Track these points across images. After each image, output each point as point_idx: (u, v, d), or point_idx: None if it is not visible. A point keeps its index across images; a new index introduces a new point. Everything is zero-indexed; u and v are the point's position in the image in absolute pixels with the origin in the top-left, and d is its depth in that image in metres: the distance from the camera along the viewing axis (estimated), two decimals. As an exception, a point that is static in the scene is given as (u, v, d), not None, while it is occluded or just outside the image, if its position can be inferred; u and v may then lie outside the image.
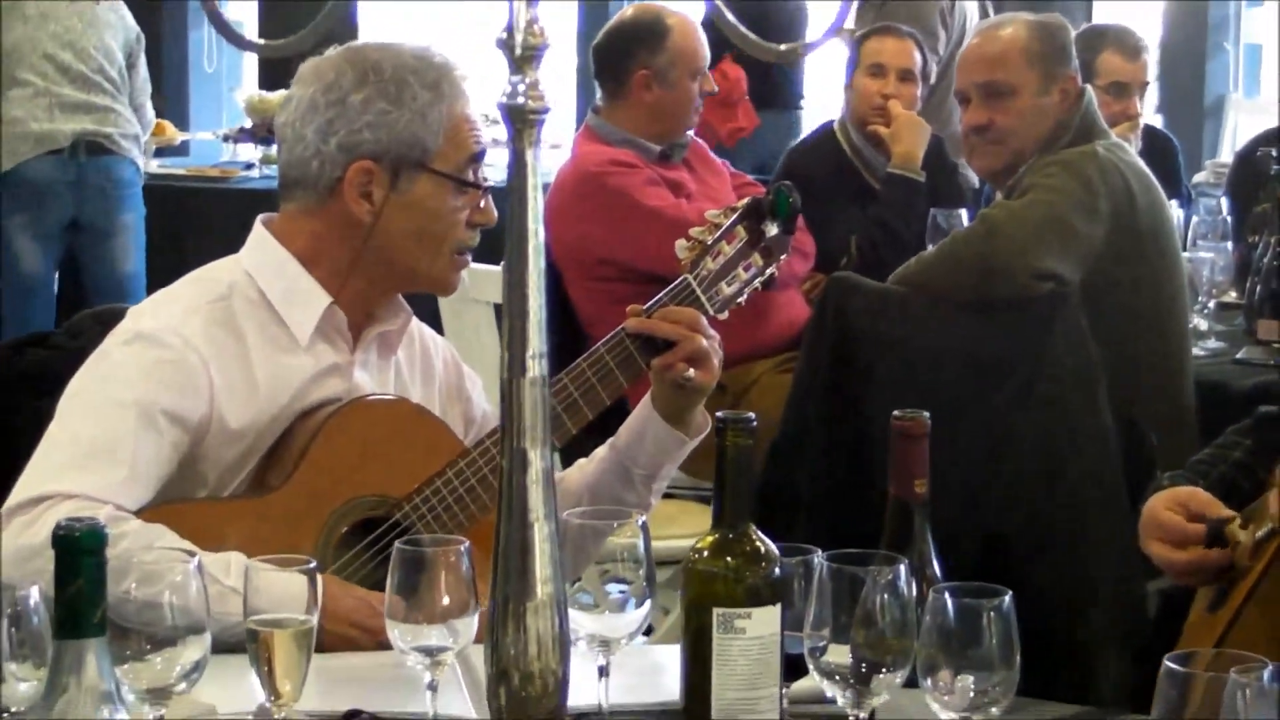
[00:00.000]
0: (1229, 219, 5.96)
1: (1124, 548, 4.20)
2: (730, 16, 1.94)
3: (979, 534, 4.08)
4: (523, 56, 1.96)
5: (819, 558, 2.23)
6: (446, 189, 3.11)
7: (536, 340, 2.00)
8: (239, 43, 1.98)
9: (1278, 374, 4.99)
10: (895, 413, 2.34)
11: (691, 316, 3.17)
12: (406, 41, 3.19)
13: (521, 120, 1.98)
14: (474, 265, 3.30)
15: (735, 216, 3.28)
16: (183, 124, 10.70)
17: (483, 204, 3.16)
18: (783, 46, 1.97)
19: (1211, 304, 5.44)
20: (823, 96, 9.33)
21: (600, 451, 3.31)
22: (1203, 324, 5.33)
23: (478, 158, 3.14)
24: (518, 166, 2.00)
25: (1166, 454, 4.40)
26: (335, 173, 3.09)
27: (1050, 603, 3.82)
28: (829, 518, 4.42)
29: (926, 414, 2.34)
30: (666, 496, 5.39)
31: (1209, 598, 3.25)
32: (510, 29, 1.93)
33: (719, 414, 2.23)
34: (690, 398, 3.21)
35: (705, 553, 2.20)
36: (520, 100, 1.97)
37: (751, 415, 2.22)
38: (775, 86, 8.99)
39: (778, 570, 2.20)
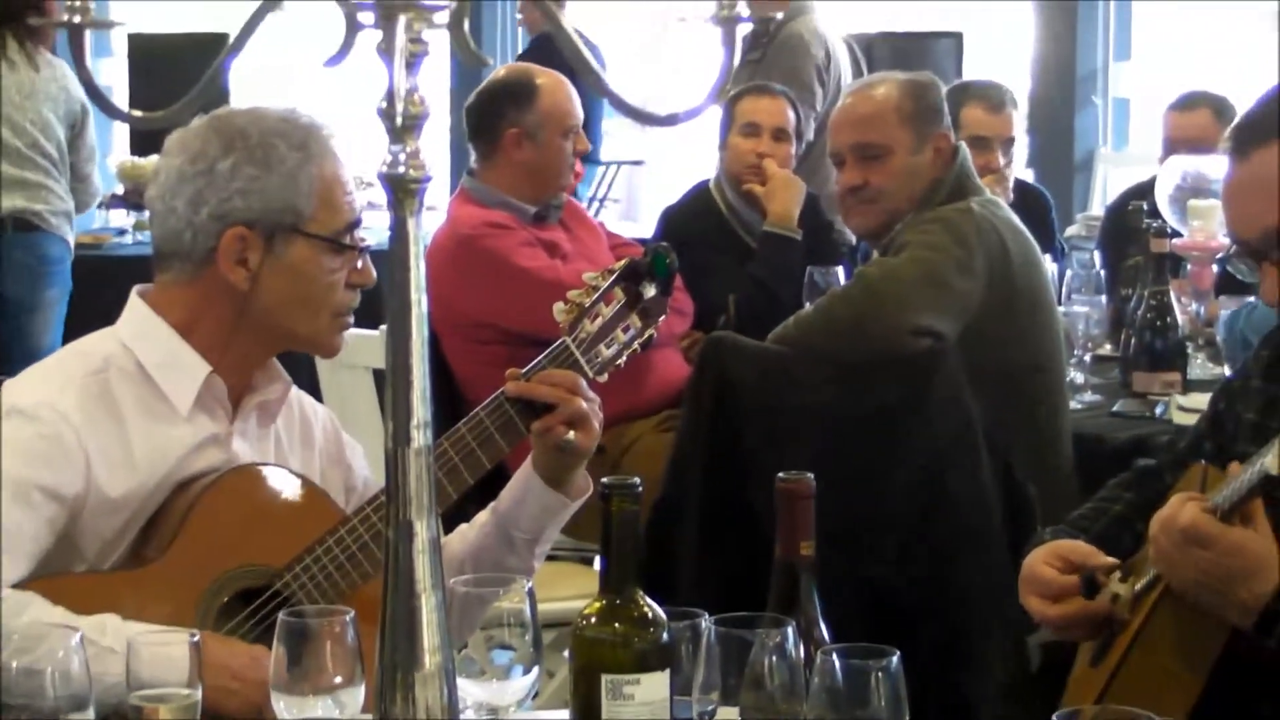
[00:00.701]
0: (1102, 272, 6.01)
1: (1005, 601, 4.22)
2: (609, 87, 1.94)
3: (862, 592, 4.09)
4: (404, 126, 1.95)
5: (706, 621, 2.24)
6: (322, 252, 3.10)
7: (421, 410, 1.99)
8: (115, 114, 1.96)
9: (1154, 426, 5.03)
10: (780, 475, 2.34)
11: (570, 380, 3.17)
12: (272, 106, 3.17)
13: (403, 189, 1.97)
14: (353, 330, 3.28)
15: (613, 278, 3.28)
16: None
17: (360, 265, 3.15)
18: (663, 114, 1.98)
19: (1087, 357, 5.48)
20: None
21: (482, 517, 3.30)
22: (1079, 377, 5.36)
23: (354, 223, 3.13)
24: (399, 234, 1.99)
25: (1046, 507, 4.43)
26: (209, 242, 3.07)
27: (933, 659, 3.83)
28: (712, 578, 4.42)
29: (811, 475, 2.34)
30: (549, 559, 5.39)
31: (1091, 651, 3.26)
32: (390, 98, 1.93)
33: (604, 480, 2.23)
34: (571, 460, 3.22)
35: (593, 619, 2.20)
36: (401, 170, 1.97)
37: (637, 480, 2.23)
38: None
39: (666, 635, 2.20)
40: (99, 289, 6.46)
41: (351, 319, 3.20)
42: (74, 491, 2.95)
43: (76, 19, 1.92)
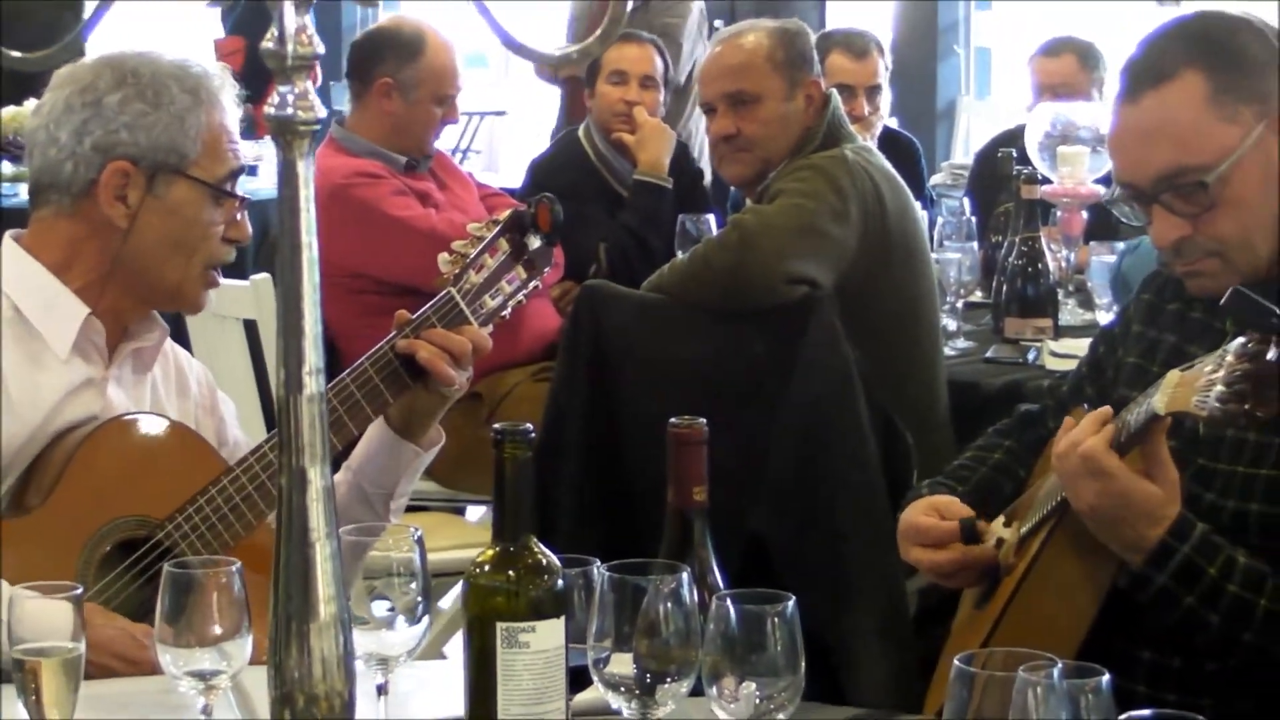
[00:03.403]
0: (972, 219, 6.04)
1: (884, 547, 4.23)
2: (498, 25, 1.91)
3: (743, 539, 4.08)
4: (294, 66, 1.91)
5: (599, 568, 2.22)
6: (204, 198, 3.09)
7: (313, 356, 1.96)
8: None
9: (1027, 371, 5.06)
10: (672, 420, 2.32)
11: (460, 347, 3.16)
12: (165, 52, 3.14)
13: (291, 131, 1.94)
14: (224, 280, 3.25)
15: (497, 230, 3.26)
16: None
17: (239, 218, 3.14)
18: (557, 51, 1.95)
19: (959, 304, 5.50)
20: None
21: (335, 476, 3.28)
22: (951, 324, 5.38)
23: (235, 173, 3.12)
24: (288, 177, 1.95)
25: (922, 452, 4.46)
26: (90, 174, 3.06)
27: (814, 604, 3.83)
28: (590, 525, 4.41)
29: (703, 420, 2.32)
30: (420, 509, 5.38)
31: (975, 596, 3.28)
32: (281, 37, 1.89)
33: (496, 426, 2.20)
34: (433, 405, 3.21)
35: (486, 567, 2.17)
36: (290, 111, 1.93)
37: (529, 426, 2.20)
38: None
39: (560, 582, 2.18)
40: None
41: (220, 277, 3.19)
42: None
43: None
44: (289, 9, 1.88)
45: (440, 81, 5.81)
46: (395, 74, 5.73)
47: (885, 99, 7.26)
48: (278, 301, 1.98)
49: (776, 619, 2.13)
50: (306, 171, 1.96)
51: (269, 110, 1.94)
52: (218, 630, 2.31)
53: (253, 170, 8.37)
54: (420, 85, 5.76)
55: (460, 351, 3.15)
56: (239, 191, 3.14)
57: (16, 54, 1.91)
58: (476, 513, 6.01)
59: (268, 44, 1.93)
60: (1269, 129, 2.95)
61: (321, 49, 1.93)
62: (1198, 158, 2.94)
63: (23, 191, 8.63)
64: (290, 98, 1.94)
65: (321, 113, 1.94)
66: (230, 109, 3.12)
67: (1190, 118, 2.94)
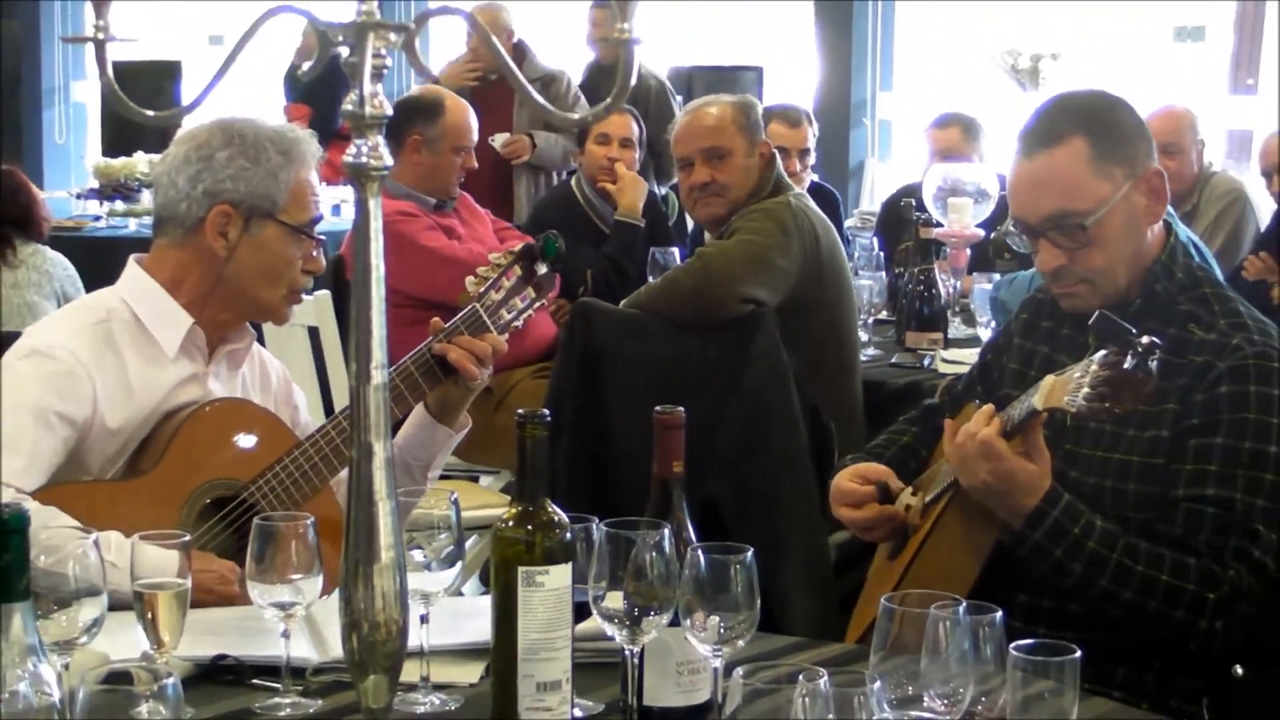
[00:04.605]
0: (880, 254, 6.04)
1: (811, 510, 4.24)
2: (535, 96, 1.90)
3: (699, 504, 4.07)
4: (368, 124, 1.90)
5: (597, 525, 2.21)
6: (288, 237, 3.09)
7: (379, 353, 1.96)
8: (131, 113, 1.90)
9: (923, 374, 5.07)
10: (657, 408, 2.30)
11: (484, 351, 3.14)
12: (269, 120, 3.16)
13: (365, 176, 1.93)
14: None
15: (513, 258, 3.25)
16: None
17: (315, 254, 3.14)
18: (575, 116, 1.94)
19: (870, 320, 5.52)
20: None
21: None
22: (864, 336, 5.38)
23: (315, 220, 3.13)
24: (363, 213, 1.95)
25: (842, 437, 4.46)
26: (199, 213, 3.06)
27: (755, 558, 3.83)
28: (580, 492, 4.40)
29: (683, 409, 2.31)
30: (444, 478, 5.35)
31: (888, 550, 3.27)
32: (361, 100, 1.88)
33: (519, 411, 2.19)
34: (459, 397, 3.19)
35: (510, 523, 2.16)
36: (364, 160, 1.93)
37: (546, 412, 2.19)
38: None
39: (568, 535, 2.17)
40: (76, 261, 6.37)
41: (303, 297, 3.20)
42: (83, 417, 2.93)
43: (100, 35, 1.86)
44: (367, 78, 1.86)
45: (458, 135, 5.79)
46: (423, 132, 5.72)
47: (812, 159, 7.27)
48: (352, 310, 1.97)
49: (738, 566, 2.12)
50: (376, 208, 1.95)
51: (347, 159, 1.93)
52: (294, 571, 2.31)
53: (336, 209, 8.37)
54: (443, 139, 5.74)
55: (483, 354, 3.14)
56: (318, 234, 3.14)
57: (151, 113, 1.89)
58: (487, 480, 5.99)
59: (348, 106, 1.91)
60: (1134, 187, 2.97)
61: (390, 110, 1.92)
62: (1079, 205, 2.94)
63: (132, 224, 8.72)
64: (365, 149, 1.93)
65: (389, 161, 1.94)
66: (314, 168, 3.13)
67: (1075, 174, 2.95)
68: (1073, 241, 2.96)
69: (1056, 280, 3.02)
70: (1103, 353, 2.60)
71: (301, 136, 3.12)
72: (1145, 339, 2.56)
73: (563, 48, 9.30)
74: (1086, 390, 2.59)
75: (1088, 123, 2.97)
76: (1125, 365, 2.56)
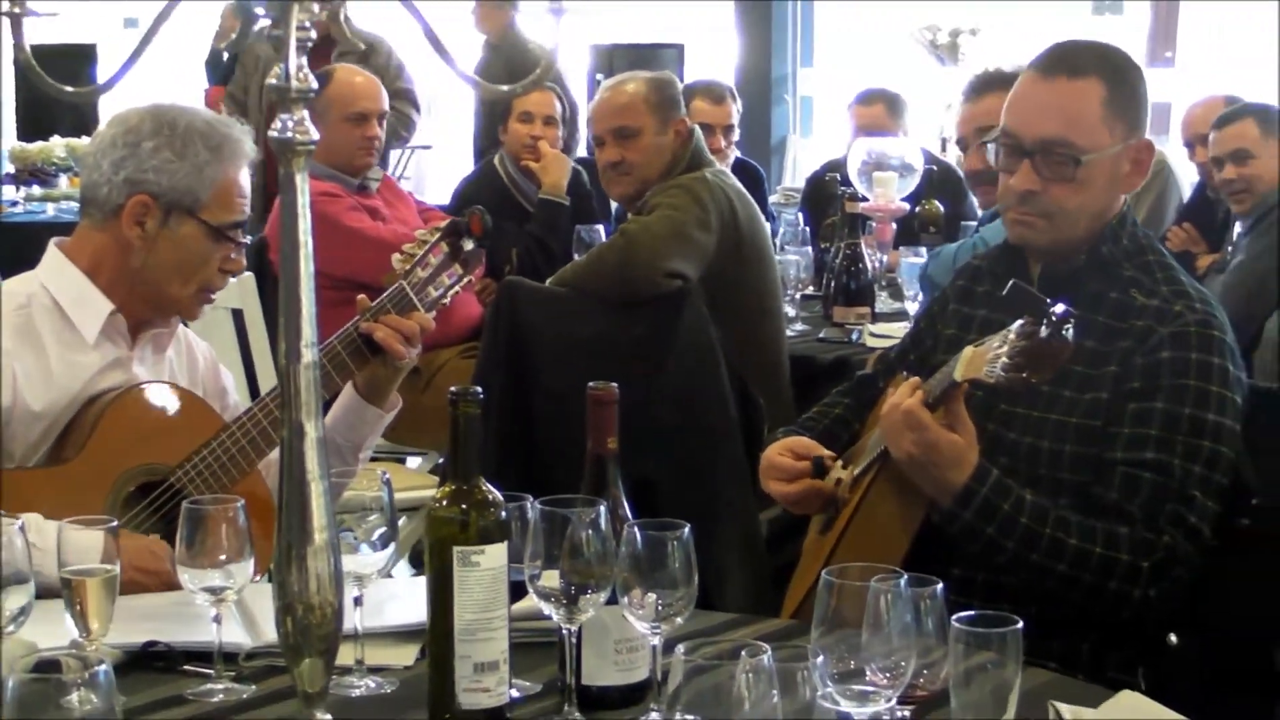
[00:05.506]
0: (806, 229, 6.02)
1: (741, 486, 4.22)
2: (456, 67, 1.87)
3: (631, 480, 4.04)
4: (293, 98, 1.87)
5: (532, 503, 2.18)
6: (206, 235, 3.03)
7: (309, 331, 1.92)
8: (51, 89, 1.86)
9: (851, 348, 5.07)
10: (590, 384, 2.28)
11: (411, 330, 3.11)
12: (206, 111, 3.12)
13: (291, 151, 1.89)
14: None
15: (439, 235, 3.22)
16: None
17: (234, 255, 3.08)
18: (504, 88, 1.91)
19: (798, 295, 5.50)
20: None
21: None
22: (791, 311, 5.37)
23: (239, 223, 3.07)
24: (288, 188, 1.91)
25: (770, 411, 4.45)
26: (119, 199, 3.01)
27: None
28: (509, 471, 4.36)
29: (615, 385, 2.29)
30: (371, 460, 5.31)
31: (820, 524, 3.26)
32: (286, 74, 1.84)
33: (452, 389, 2.15)
34: (388, 377, 3.16)
35: (444, 502, 2.12)
36: (290, 134, 1.89)
37: (479, 389, 2.16)
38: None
39: (503, 514, 2.14)
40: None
41: (215, 296, 3.15)
42: (4, 404, 2.88)
43: (16, 9, 1.82)
44: (293, 51, 1.83)
45: (346, 102, 5.68)
46: (312, 104, 5.62)
47: (736, 135, 7.26)
48: (281, 287, 1.93)
49: (675, 543, 2.10)
50: (303, 183, 1.92)
51: (273, 134, 1.90)
52: (225, 554, 2.28)
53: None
54: (330, 109, 5.62)
55: (410, 332, 3.11)
56: (240, 238, 3.09)
57: (70, 89, 1.84)
58: (415, 462, 5.96)
59: (272, 80, 1.88)
60: (1126, 149, 2.99)
61: (315, 84, 1.88)
62: (1079, 140, 2.94)
63: (50, 209, 8.62)
64: (290, 123, 1.89)
65: (315, 135, 1.90)
66: (245, 168, 3.07)
67: (1087, 109, 2.95)
68: (1056, 174, 2.95)
69: (1021, 203, 3.00)
70: (1019, 323, 2.59)
71: (234, 134, 3.06)
72: (1059, 307, 2.55)
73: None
74: (1004, 360, 2.58)
75: (1111, 71, 2.98)
76: (1041, 334, 2.55)
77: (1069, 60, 2.99)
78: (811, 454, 3.19)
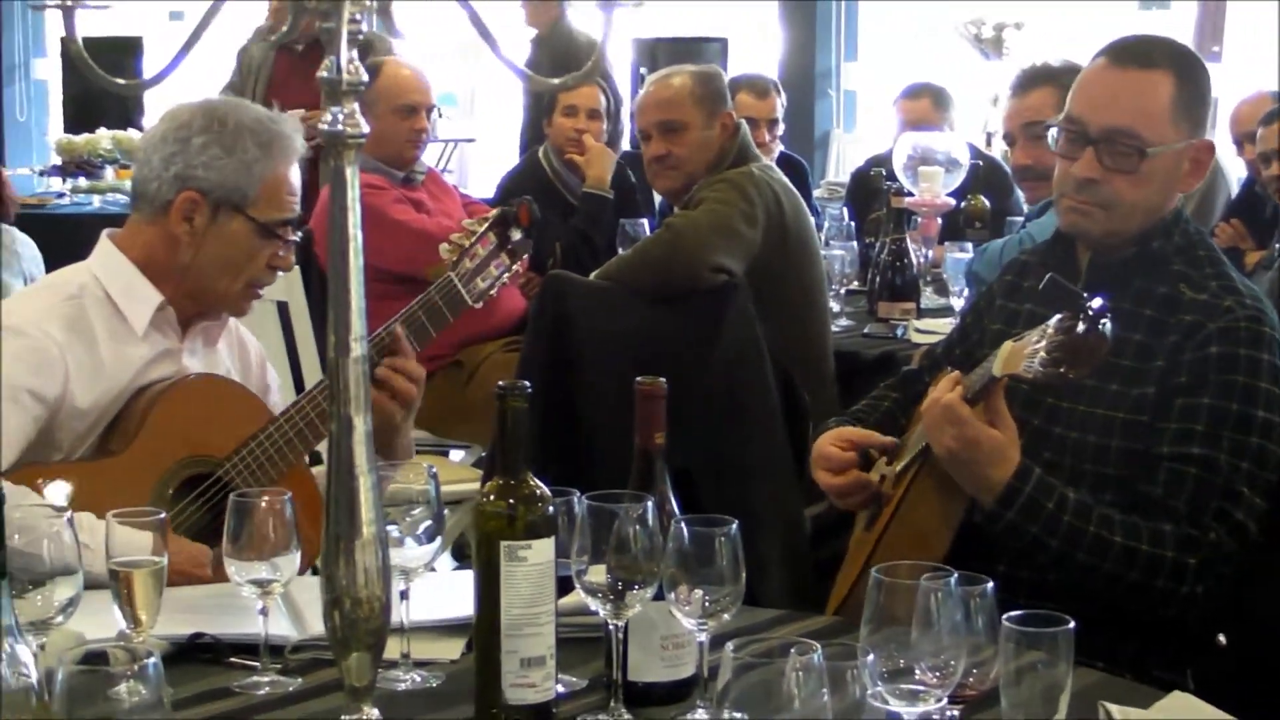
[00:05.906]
0: (851, 224, 6.01)
1: (785, 481, 4.21)
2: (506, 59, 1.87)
3: (673, 475, 4.03)
4: (345, 91, 1.86)
5: (579, 498, 2.18)
6: (254, 232, 3.03)
7: (358, 325, 1.91)
8: (102, 81, 1.85)
9: (896, 344, 5.05)
10: (638, 379, 2.27)
11: (414, 374, 3.08)
12: (258, 107, 3.11)
13: (342, 144, 1.89)
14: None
15: (486, 225, 3.22)
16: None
17: (282, 253, 3.08)
18: (555, 81, 1.90)
19: (842, 290, 5.48)
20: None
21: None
22: (836, 306, 5.36)
23: (289, 221, 3.06)
24: (338, 181, 1.91)
25: (814, 406, 4.43)
26: (168, 195, 3.01)
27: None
28: (551, 462, 4.35)
29: (664, 380, 2.28)
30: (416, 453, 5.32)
31: (865, 519, 3.24)
32: (337, 67, 1.84)
33: (500, 384, 2.14)
34: (396, 418, 3.09)
35: (492, 496, 2.12)
36: (340, 127, 1.88)
37: (527, 384, 2.14)
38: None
39: (550, 509, 2.13)
40: (41, 238, 6.30)
41: (263, 292, 3.15)
42: (55, 394, 2.88)
43: (69, 2, 1.81)
44: (343, 44, 1.82)
45: (394, 95, 5.67)
46: (363, 97, 5.62)
47: (780, 129, 7.24)
48: (330, 281, 1.93)
49: (722, 539, 2.09)
50: (353, 177, 1.91)
51: (323, 127, 1.89)
52: (272, 547, 2.28)
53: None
54: (378, 101, 5.61)
55: (413, 375, 3.08)
56: (289, 236, 3.08)
57: (121, 81, 1.84)
58: (458, 455, 5.95)
59: (323, 73, 1.87)
60: (1188, 148, 2.98)
61: (365, 77, 1.88)
62: (1147, 132, 2.93)
63: (96, 200, 8.67)
64: (340, 117, 1.89)
65: (365, 129, 1.89)
66: (295, 166, 3.07)
67: (1158, 103, 2.94)
68: (1118, 164, 2.94)
69: (1079, 191, 2.98)
70: (1057, 318, 2.58)
71: (285, 130, 3.05)
72: (1096, 302, 2.54)
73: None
74: (1042, 355, 2.57)
75: (1184, 68, 2.98)
76: (1078, 329, 2.53)
77: (1142, 52, 2.97)
78: (864, 443, 3.18)
